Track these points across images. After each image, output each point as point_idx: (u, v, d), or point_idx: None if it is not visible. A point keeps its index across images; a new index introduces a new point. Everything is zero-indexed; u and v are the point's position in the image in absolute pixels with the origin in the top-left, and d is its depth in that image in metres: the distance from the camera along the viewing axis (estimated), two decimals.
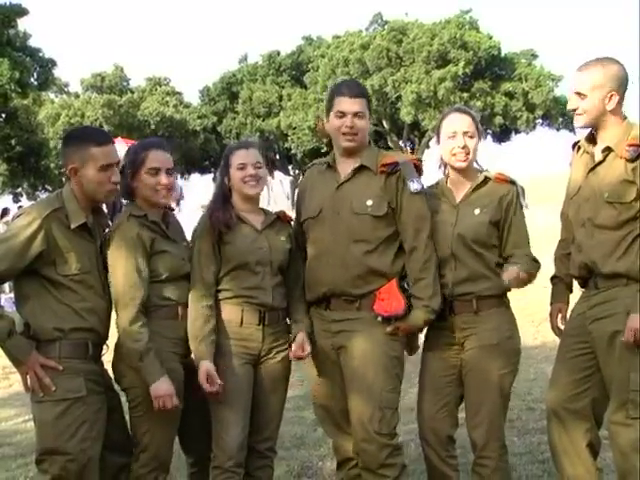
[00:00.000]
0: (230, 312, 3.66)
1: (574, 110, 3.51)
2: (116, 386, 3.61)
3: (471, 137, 3.70)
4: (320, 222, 3.71)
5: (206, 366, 3.51)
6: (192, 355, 3.60)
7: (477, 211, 3.66)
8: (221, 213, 3.68)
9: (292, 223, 3.93)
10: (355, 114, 3.63)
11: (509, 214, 3.66)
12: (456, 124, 3.71)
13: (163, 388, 3.39)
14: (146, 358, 3.39)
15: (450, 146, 3.69)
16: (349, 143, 3.67)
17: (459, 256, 3.64)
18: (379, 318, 3.59)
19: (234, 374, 3.60)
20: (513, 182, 3.72)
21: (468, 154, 3.69)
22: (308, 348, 3.70)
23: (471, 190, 3.72)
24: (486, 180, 3.72)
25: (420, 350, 3.83)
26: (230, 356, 3.61)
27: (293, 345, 3.71)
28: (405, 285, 3.65)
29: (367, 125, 3.69)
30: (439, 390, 3.72)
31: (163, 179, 3.60)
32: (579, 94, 3.47)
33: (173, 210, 3.86)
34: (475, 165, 3.79)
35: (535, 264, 3.62)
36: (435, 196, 3.78)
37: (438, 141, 3.81)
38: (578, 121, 3.53)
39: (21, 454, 5.51)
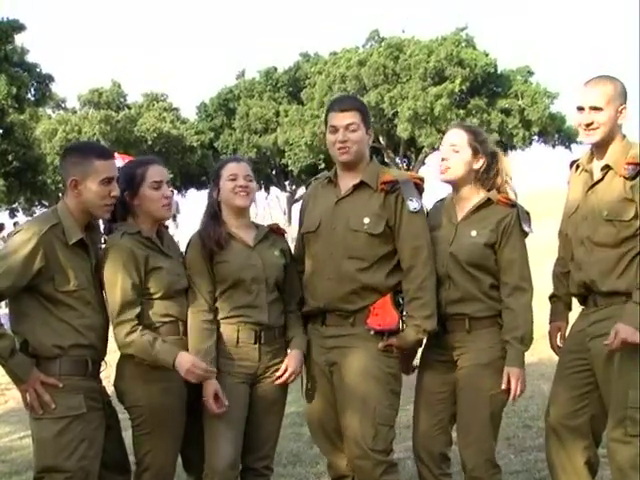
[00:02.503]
0: (226, 331, 3.64)
1: (589, 124, 3.46)
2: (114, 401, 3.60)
3: (456, 151, 3.68)
4: (318, 236, 3.70)
5: (214, 386, 3.49)
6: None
7: (474, 232, 3.64)
8: (212, 231, 3.66)
9: (286, 236, 3.92)
10: (346, 127, 3.61)
11: (507, 239, 3.61)
12: (445, 138, 3.75)
13: (185, 360, 3.38)
14: (156, 345, 3.38)
15: (438, 160, 3.73)
16: (344, 156, 3.65)
17: (452, 276, 3.63)
18: (372, 332, 3.59)
19: (229, 393, 3.56)
20: (514, 205, 3.67)
21: (448, 168, 3.69)
22: (293, 367, 3.67)
23: (472, 210, 3.69)
24: (489, 201, 3.68)
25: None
26: (226, 375, 3.59)
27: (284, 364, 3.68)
28: (400, 300, 3.65)
29: (362, 138, 3.64)
30: (432, 407, 3.70)
31: (167, 192, 3.62)
32: (594, 108, 3.44)
33: (167, 227, 3.86)
34: (509, 185, 3.76)
35: (528, 326, 3.58)
36: (439, 212, 3.79)
37: None
38: (594, 135, 3.48)
39: (16, 471, 5.47)
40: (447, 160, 3.68)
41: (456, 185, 3.74)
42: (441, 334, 3.66)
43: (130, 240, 3.50)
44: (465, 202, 3.73)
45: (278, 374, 3.67)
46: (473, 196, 3.72)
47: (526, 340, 3.57)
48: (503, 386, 3.53)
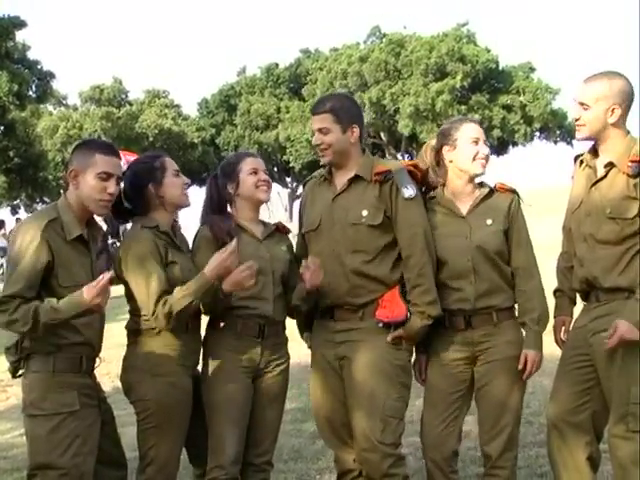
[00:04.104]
0: (229, 324, 3.64)
1: (577, 120, 3.52)
2: (109, 398, 3.59)
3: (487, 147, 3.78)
4: (319, 234, 3.72)
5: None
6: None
7: (489, 221, 3.68)
8: (222, 223, 3.68)
9: (289, 235, 3.94)
10: (319, 130, 3.67)
11: (514, 222, 3.70)
12: (477, 132, 3.76)
13: (212, 266, 3.39)
14: (185, 286, 3.41)
15: (474, 151, 3.71)
16: (323, 159, 3.72)
17: (479, 268, 3.64)
18: (380, 324, 3.60)
19: (232, 387, 3.58)
20: (514, 191, 3.77)
21: (487, 162, 3.74)
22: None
23: (478, 201, 3.73)
24: (491, 192, 3.75)
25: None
26: (228, 369, 3.60)
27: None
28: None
29: (336, 139, 3.65)
30: (448, 406, 3.68)
31: (185, 179, 3.70)
32: (582, 104, 3.48)
33: (176, 221, 3.86)
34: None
35: (540, 307, 3.64)
36: (433, 209, 3.77)
37: (452, 147, 3.76)
38: (580, 132, 3.54)
39: (17, 468, 5.46)
40: (488, 156, 3.75)
41: (473, 179, 3.79)
42: (463, 330, 3.65)
43: (150, 233, 3.52)
44: (465, 195, 3.75)
45: None
46: (474, 187, 3.77)
47: (542, 322, 3.63)
48: (520, 367, 3.58)
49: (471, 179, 3.76)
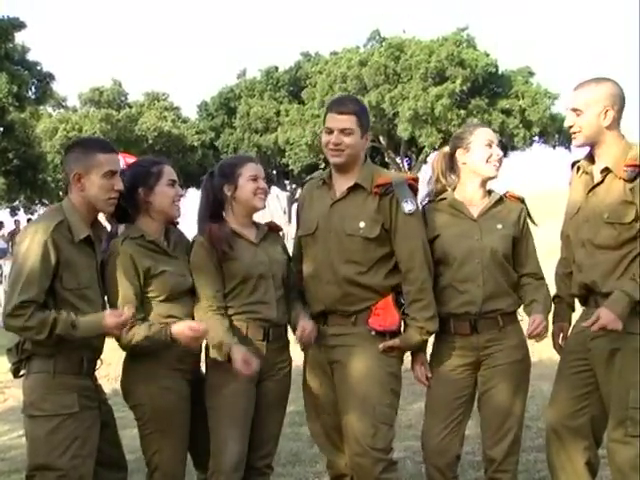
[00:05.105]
0: (234, 328, 3.62)
1: (570, 127, 3.53)
2: (109, 400, 3.59)
3: None
4: (315, 240, 3.71)
5: (241, 352, 3.46)
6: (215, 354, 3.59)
7: (500, 226, 3.70)
8: (219, 232, 3.64)
9: (281, 233, 3.97)
10: (341, 130, 3.61)
11: (524, 231, 3.74)
12: (492, 136, 3.81)
13: (180, 326, 3.42)
14: (152, 328, 3.42)
15: (487, 153, 3.74)
16: (335, 159, 3.66)
17: (487, 271, 3.65)
18: (373, 332, 3.60)
19: (235, 391, 3.57)
20: (522, 200, 3.81)
21: (500, 166, 3.77)
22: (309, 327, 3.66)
23: (488, 208, 3.75)
24: (500, 199, 3.78)
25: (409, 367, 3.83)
26: (231, 373, 3.56)
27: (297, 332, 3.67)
28: (402, 300, 3.66)
29: (356, 142, 3.63)
30: (452, 412, 3.69)
31: (180, 190, 3.66)
32: (575, 110, 3.50)
33: (177, 224, 3.83)
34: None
35: (548, 297, 3.71)
36: (443, 210, 3.79)
37: (466, 149, 3.77)
38: (576, 139, 3.55)
39: (15, 469, 5.47)
40: (501, 160, 3.79)
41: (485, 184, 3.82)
42: (468, 335, 3.66)
43: (132, 246, 3.51)
44: (476, 200, 3.77)
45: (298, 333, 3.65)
46: (485, 192, 3.79)
47: (548, 307, 3.66)
48: (528, 327, 3.53)
49: (483, 183, 3.78)
